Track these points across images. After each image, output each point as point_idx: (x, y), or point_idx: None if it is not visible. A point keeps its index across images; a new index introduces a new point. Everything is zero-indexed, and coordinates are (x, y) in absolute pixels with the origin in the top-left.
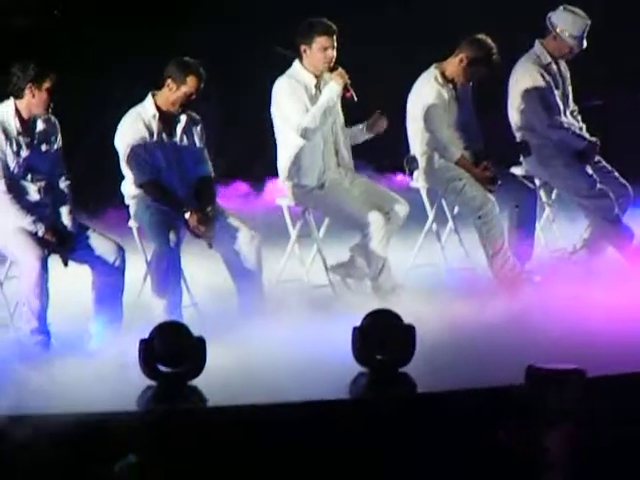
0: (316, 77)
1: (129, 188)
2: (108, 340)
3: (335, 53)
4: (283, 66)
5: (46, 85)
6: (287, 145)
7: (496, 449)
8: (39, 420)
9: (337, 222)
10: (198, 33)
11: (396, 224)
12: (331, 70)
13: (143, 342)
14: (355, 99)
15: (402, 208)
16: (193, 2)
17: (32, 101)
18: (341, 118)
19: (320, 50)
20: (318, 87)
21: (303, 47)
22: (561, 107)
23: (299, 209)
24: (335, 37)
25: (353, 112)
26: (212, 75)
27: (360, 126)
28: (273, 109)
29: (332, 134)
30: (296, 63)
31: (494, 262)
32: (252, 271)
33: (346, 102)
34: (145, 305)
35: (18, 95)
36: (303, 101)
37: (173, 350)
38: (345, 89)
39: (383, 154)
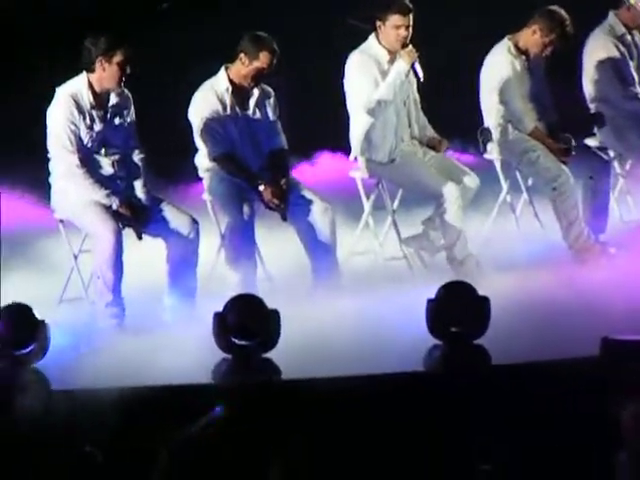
0: (390, 53)
1: (203, 161)
2: (182, 313)
3: (409, 32)
4: (359, 39)
5: (117, 59)
6: (358, 120)
7: (571, 421)
8: (114, 393)
9: (412, 193)
10: (274, 6)
11: (466, 197)
12: (402, 47)
13: (217, 315)
14: (421, 79)
15: (472, 181)
16: None
17: (103, 75)
18: (414, 93)
19: (393, 28)
20: (392, 62)
21: (378, 23)
22: (636, 78)
23: (372, 181)
24: (410, 16)
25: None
26: (286, 49)
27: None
28: (345, 83)
29: (405, 109)
30: (371, 37)
31: (569, 233)
32: (326, 243)
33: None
34: (219, 278)
35: (90, 69)
36: (373, 76)
37: (247, 323)
38: (413, 68)
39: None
